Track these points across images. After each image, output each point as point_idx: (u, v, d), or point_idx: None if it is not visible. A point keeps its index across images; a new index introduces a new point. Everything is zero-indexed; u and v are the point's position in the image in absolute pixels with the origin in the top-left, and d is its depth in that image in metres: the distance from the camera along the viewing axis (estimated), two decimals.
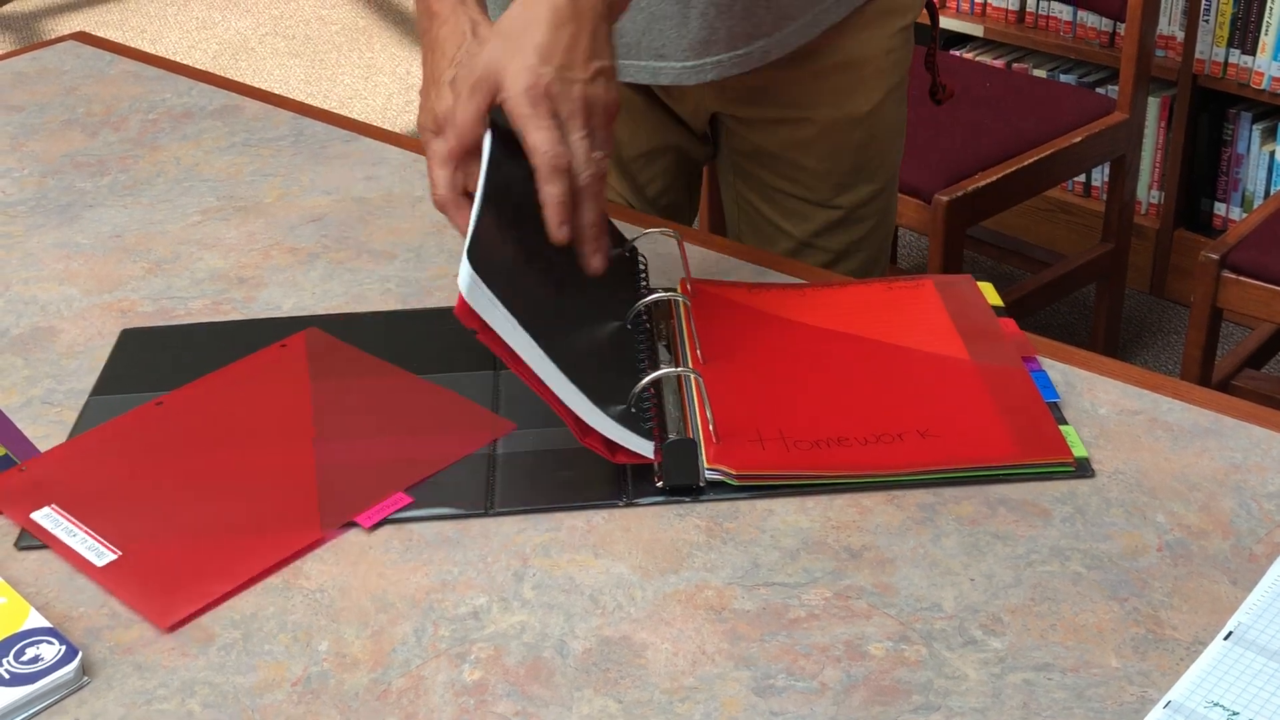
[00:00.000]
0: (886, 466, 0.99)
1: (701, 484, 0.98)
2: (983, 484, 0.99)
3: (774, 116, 1.40)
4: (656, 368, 1.07)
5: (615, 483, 0.99)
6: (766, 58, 1.32)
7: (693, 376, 1.04)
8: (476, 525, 0.97)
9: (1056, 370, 1.10)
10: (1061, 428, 1.02)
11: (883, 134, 1.43)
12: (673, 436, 1.01)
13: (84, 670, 0.86)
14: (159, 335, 1.19)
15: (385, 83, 4.04)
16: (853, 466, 0.99)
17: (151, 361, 1.15)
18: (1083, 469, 0.99)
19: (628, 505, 0.98)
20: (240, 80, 1.74)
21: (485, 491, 0.99)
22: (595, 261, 1.03)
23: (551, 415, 0.97)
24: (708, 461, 0.99)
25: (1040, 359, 1.10)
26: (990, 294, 1.17)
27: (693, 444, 0.99)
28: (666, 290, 1.14)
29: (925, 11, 1.47)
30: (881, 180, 1.45)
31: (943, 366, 1.08)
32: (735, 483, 0.98)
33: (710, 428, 1.01)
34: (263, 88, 1.69)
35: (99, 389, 1.12)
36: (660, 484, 0.98)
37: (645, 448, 0.99)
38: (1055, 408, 1.04)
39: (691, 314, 1.13)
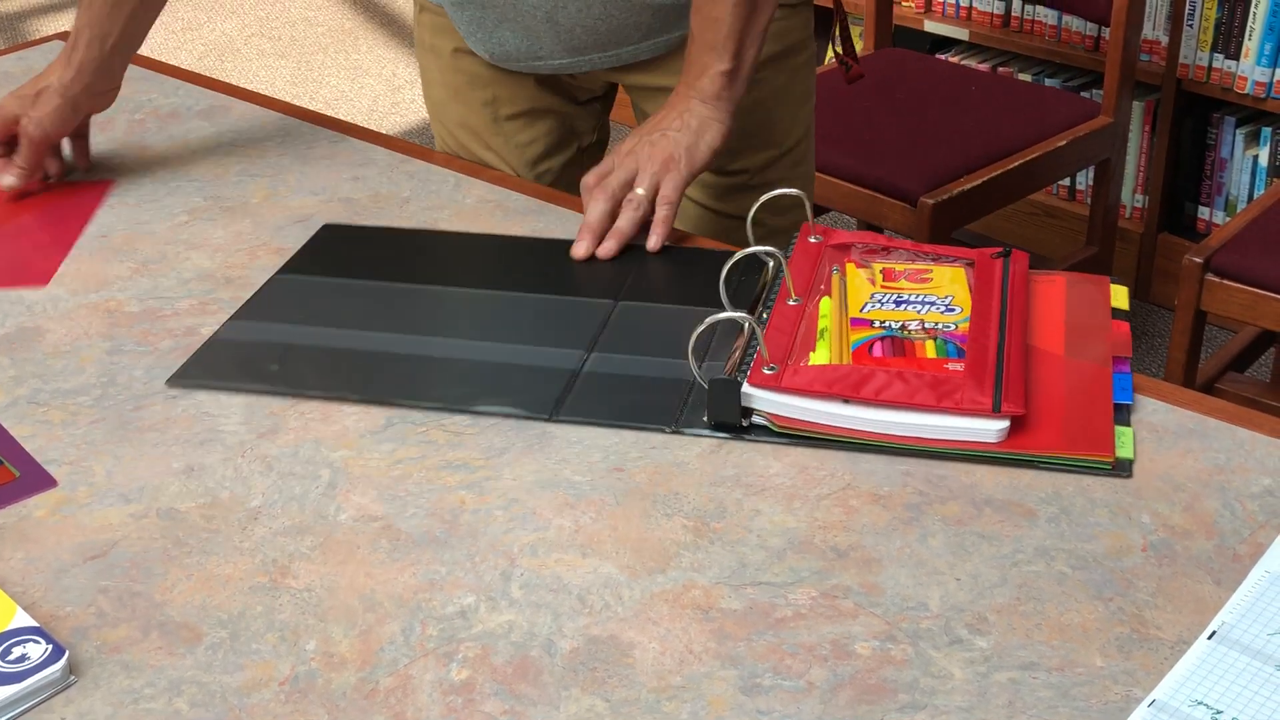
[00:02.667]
0: (932, 440, 1.02)
1: (743, 425, 1.04)
2: (1016, 468, 1.00)
3: (662, 84, 1.45)
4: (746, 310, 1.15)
5: (671, 412, 1.06)
6: (638, 57, 1.43)
7: (748, 321, 1.08)
8: (464, 524, 0.97)
9: None
10: (1120, 428, 1.03)
11: (770, 99, 1.48)
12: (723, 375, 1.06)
13: (71, 669, 0.86)
14: (357, 233, 1.34)
15: (371, 84, 4.04)
16: (896, 435, 1.02)
17: (345, 253, 1.31)
18: (1121, 468, 1.00)
19: (674, 433, 1.05)
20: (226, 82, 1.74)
21: (557, 400, 1.08)
22: None
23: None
24: (764, 385, 1.04)
25: None
26: (1119, 297, 1.17)
27: (735, 384, 1.04)
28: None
29: None
30: (780, 146, 1.50)
31: (1033, 359, 1.09)
32: (776, 429, 1.04)
33: (765, 370, 1.05)
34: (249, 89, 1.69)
35: (288, 269, 1.28)
36: (706, 419, 1.05)
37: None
38: (1123, 409, 1.05)
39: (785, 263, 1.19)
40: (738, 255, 1.15)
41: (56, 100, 1.41)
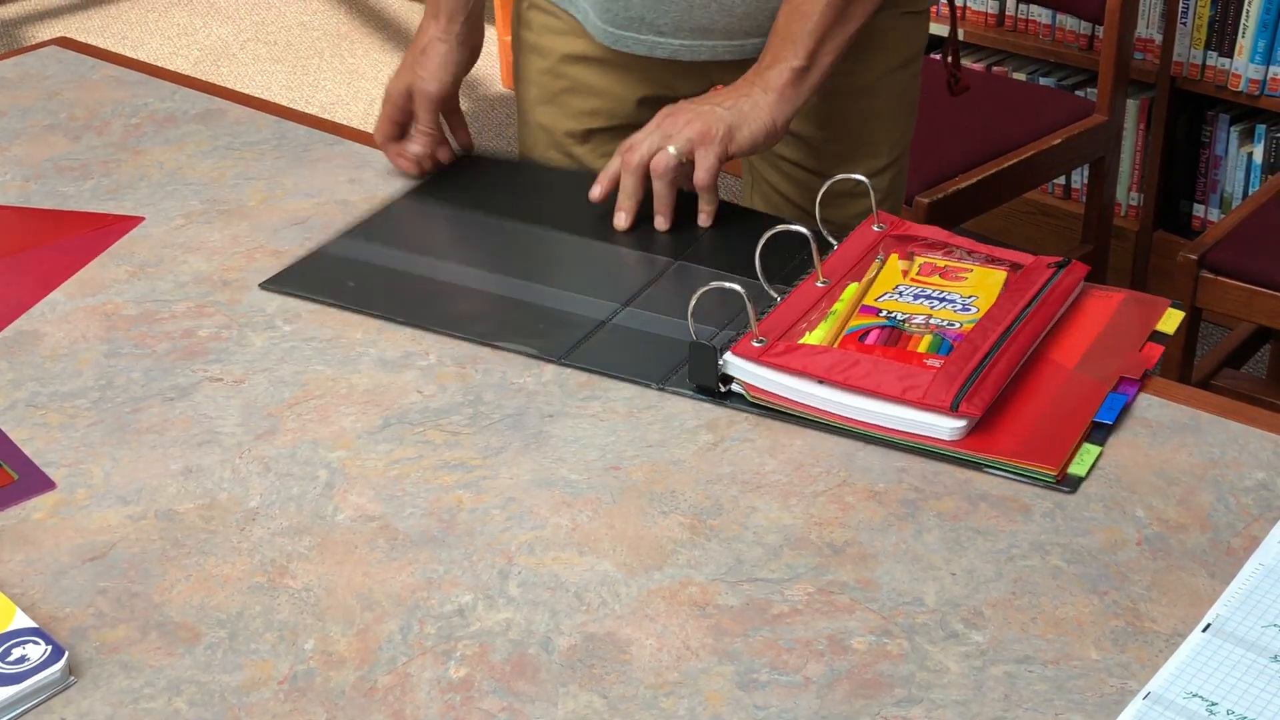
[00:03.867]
0: (890, 429, 1.03)
1: (719, 390, 1.08)
2: (967, 468, 1.00)
3: None
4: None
5: (662, 371, 1.11)
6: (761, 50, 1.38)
7: (743, 291, 1.09)
8: (461, 524, 0.97)
9: None
10: (1087, 445, 1.02)
11: (884, 109, 1.46)
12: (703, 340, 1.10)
13: (70, 670, 0.86)
14: (488, 164, 1.45)
15: (367, 88, 4.04)
16: (858, 421, 1.04)
17: (465, 182, 1.40)
18: (1068, 483, 0.99)
19: (659, 390, 1.10)
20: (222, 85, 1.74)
21: (571, 347, 1.14)
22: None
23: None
24: (745, 355, 1.07)
25: None
26: (1169, 321, 1.16)
27: (713, 350, 1.07)
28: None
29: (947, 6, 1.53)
30: (886, 156, 1.49)
31: (1038, 369, 1.09)
32: (750, 399, 1.07)
33: (753, 342, 1.09)
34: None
35: (412, 194, 1.39)
36: (689, 379, 1.10)
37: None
38: (1102, 428, 1.04)
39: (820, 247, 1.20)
40: (768, 234, 1.16)
41: (442, 48, 1.39)
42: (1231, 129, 2.77)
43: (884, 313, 1.12)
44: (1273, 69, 2.63)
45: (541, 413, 1.08)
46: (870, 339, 1.09)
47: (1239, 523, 0.95)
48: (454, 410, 1.09)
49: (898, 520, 0.96)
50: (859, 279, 1.18)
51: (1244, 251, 2.07)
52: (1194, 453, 1.01)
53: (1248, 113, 2.77)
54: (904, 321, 1.10)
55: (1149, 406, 1.06)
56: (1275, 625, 0.86)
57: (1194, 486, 0.98)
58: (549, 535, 0.96)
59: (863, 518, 0.97)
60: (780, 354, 1.07)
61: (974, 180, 2.31)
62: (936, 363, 1.05)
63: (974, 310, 1.12)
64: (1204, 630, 0.86)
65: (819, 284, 1.17)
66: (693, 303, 1.10)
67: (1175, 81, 2.75)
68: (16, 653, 0.86)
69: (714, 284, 1.09)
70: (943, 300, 1.14)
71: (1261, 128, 2.73)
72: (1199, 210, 2.87)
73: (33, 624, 0.88)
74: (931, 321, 1.11)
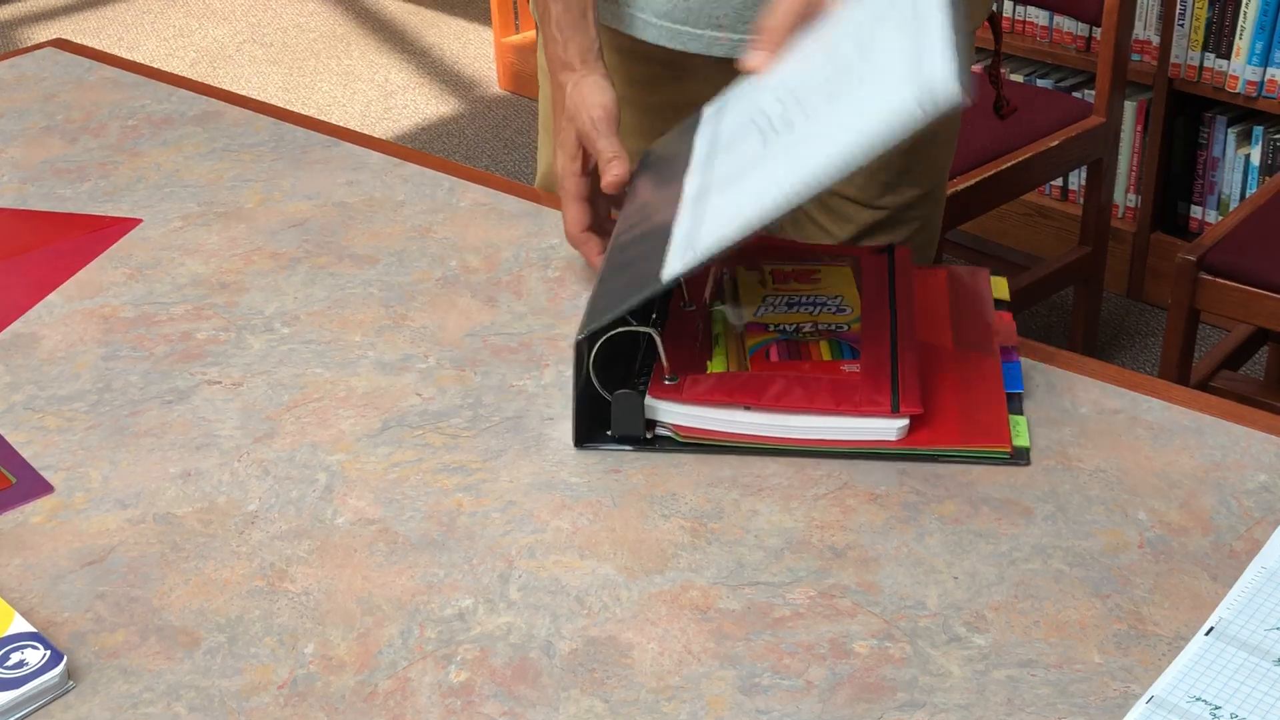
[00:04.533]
0: (832, 440, 1.03)
1: (648, 437, 1.04)
2: (922, 462, 1.01)
3: None
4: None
5: (589, 421, 1.04)
6: None
7: (654, 333, 1.05)
8: (461, 527, 0.97)
9: (1038, 370, 1.11)
10: (1014, 417, 1.04)
11: (931, 136, 1.43)
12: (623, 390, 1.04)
13: (69, 674, 0.86)
14: None
15: (364, 89, 4.04)
16: (797, 439, 1.03)
17: None
18: (1019, 457, 1.01)
19: (581, 448, 1.04)
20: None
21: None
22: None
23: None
24: (666, 396, 1.03)
25: (1021, 357, 1.11)
26: (1000, 288, 1.19)
27: (637, 398, 1.03)
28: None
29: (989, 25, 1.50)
30: (927, 184, 1.47)
31: (925, 352, 1.10)
32: (680, 440, 1.04)
33: (665, 380, 1.05)
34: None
35: None
36: (610, 432, 1.04)
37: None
38: (1015, 398, 1.06)
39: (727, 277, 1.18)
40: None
41: (593, 75, 1.27)
42: (1229, 130, 2.77)
43: (771, 326, 1.11)
44: (1270, 70, 2.64)
45: (541, 415, 1.08)
46: (774, 355, 1.08)
47: (1241, 525, 0.95)
48: (453, 413, 1.09)
49: (899, 523, 0.96)
50: (718, 298, 1.15)
51: (1242, 253, 2.07)
52: (1195, 455, 1.01)
53: (1245, 114, 2.77)
54: (795, 331, 1.10)
55: (1150, 409, 1.06)
56: (1278, 628, 0.86)
57: (1196, 489, 0.98)
58: (549, 538, 0.96)
59: (864, 521, 0.96)
60: (703, 389, 1.04)
61: (971, 182, 2.31)
62: (853, 368, 1.06)
63: (849, 310, 1.13)
64: (1207, 634, 0.85)
65: (685, 308, 1.14)
66: (591, 354, 1.03)
67: (1172, 83, 2.75)
68: (15, 657, 0.85)
69: (619, 329, 1.03)
70: (816, 304, 1.14)
71: (1259, 129, 2.73)
72: (1196, 212, 2.87)
73: (31, 628, 0.88)
74: (820, 327, 1.11)
